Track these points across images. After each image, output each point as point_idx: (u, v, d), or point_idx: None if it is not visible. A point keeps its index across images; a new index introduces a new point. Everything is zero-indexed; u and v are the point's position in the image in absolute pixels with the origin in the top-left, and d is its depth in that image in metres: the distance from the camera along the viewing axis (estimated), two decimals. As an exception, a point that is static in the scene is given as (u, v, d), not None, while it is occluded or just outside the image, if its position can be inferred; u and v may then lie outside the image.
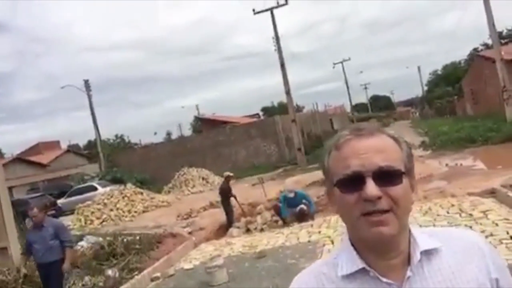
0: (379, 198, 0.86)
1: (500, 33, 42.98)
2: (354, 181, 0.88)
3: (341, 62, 58.63)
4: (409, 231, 0.94)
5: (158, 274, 8.03)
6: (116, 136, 46.34)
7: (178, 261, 8.94)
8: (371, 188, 0.86)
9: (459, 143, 19.21)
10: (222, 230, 11.67)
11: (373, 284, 0.91)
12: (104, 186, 22.95)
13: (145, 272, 8.08)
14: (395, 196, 0.87)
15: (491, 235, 5.96)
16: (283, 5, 25.60)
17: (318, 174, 12.34)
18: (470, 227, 6.55)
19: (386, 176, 0.88)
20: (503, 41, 39.92)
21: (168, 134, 52.95)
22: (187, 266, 8.30)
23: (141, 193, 18.54)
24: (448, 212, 7.73)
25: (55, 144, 56.65)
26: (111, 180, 25.20)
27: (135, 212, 16.77)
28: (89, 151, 54.19)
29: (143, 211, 16.96)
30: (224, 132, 30.16)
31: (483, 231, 6.19)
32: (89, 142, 60.76)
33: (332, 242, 7.47)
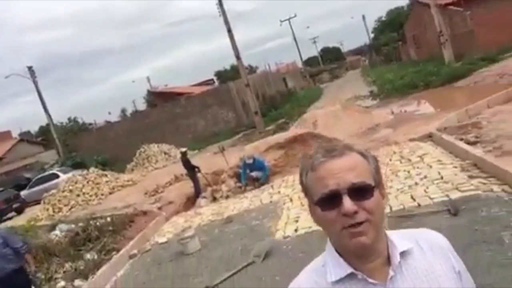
0: (356, 212, 0.96)
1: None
2: (332, 199, 0.98)
3: (288, 20, 58.67)
4: (385, 234, 1.06)
5: (135, 251, 8.56)
6: (69, 119, 45.21)
7: (152, 236, 9.47)
8: (347, 204, 0.96)
9: (403, 90, 20.38)
10: (191, 202, 12.16)
11: (361, 286, 1.02)
12: (65, 172, 22.77)
13: (122, 251, 8.57)
14: (369, 208, 0.98)
15: (425, 177, 6.81)
16: (223, -31, 25.30)
17: (275, 138, 13.01)
18: (409, 171, 7.42)
19: (360, 191, 0.98)
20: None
21: (123, 111, 52.04)
22: (161, 240, 8.86)
23: (105, 175, 18.66)
24: (390, 160, 8.60)
25: (6, 134, 54.21)
26: (72, 165, 24.99)
27: (102, 194, 16.98)
28: (43, 138, 52.50)
29: (110, 193, 17.17)
30: (180, 103, 30.17)
31: (418, 174, 7.06)
32: (41, 128, 58.70)
33: (291, 200, 8.20)
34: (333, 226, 0.99)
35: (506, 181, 5.73)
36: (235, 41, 25.92)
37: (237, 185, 10.92)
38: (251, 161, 10.54)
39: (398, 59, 43.67)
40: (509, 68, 16.31)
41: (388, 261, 1.03)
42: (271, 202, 8.68)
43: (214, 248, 7.11)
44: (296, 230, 6.46)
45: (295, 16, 61.87)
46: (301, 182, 1.07)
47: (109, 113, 58.73)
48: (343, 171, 0.99)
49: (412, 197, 6.11)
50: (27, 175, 30.06)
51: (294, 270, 4.42)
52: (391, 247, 1.03)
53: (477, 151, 7.04)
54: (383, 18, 62.65)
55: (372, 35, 66.77)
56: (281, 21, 59.24)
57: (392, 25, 53.47)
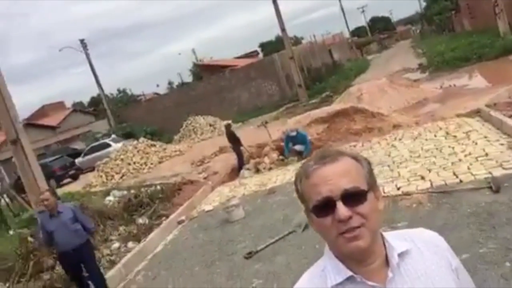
0: (350, 217, 0.97)
1: None
2: (326, 206, 0.99)
3: (335, -12, 56.92)
4: (382, 236, 1.07)
5: (183, 218, 9.09)
6: (119, 90, 46.76)
7: (199, 204, 9.99)
8: (341, 210, 0.97)
9: (454, 62, 19.64)
10: (234, 173, 12.57)
11: None
12: (116, 142, 23.96)
13: (171, 217, 9.13)
14: (363, 213, 0.99)
15: (469, 154, 6.77)
16: None
17: (318, 112, 13.07)
18: (453, 148, 7.38)
19: (353, 197, 0.99)
20: None
21: (170, 83, 53.08)
22: (207, 208, 9.34)
23: (154, 145, 19.47)
24: (435, 136, 8.54)
25: (60, 105, 57.03)
26: (122, 135, 26.15)
27: (151, 164, 17.79)
28: (94, 108, 54.76)
29: (159, 162, 17.97)
30: (224, 77, 30.53)
31: (463, 151, 7.02)
32: (92, 98, 61.15)
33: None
34: (329, 232, 1.00)
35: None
36: (280, 12, 25.72)
37: (279, 158, 11.18)
38: (294, 133, 10.73)
39: (450, 30, 41.66)
40: None
41: (387, 262, 1.04)
42: (313, 175, 8.88)
43: (257, 217, 7.46)
44: (336, 203, 6.65)
45: (343, -16, 59.93)
46: (297, 190, 1.08)
47: (157, 85, 60.05)
48: (336, 177, 1.00)
49: (454, 174, 6.12)
50: (75, 146, 31.66)
51: None
52: (389, 249, 1.04)
53: (526, 128, 6.88)
54: (437, -15, 59.48)
55: (424, 4, 63.73)
56: (328, -10, 57.68)
57: (446, -7, 50.71)
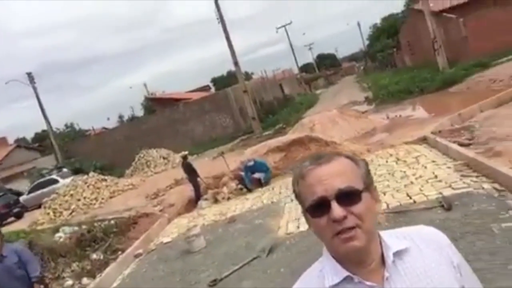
0: (345, 217, 0.97)
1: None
2: (321, 206, 0.99)
3: (284, 26, 59.33)
4: (379, 235, 1.06)
5: (141, 251, 8.82)
6: (66, 125, 45.33)
7: (156, 237, 9.74)
8: (336, 210, 0.97)
9: (398, 95, 20.81)
10: (191, 204, 12.41)
11: None
12: (64, 177, 23.00)
13: (128, 250, 8.84)
14: (358, 213, 0.98)
15: (420, 177, 7.15)
16: (221, -23, 25.75)
17: (275, 141, 13.31)
18: (404, 172, 7.76)
19: (348, 197, 0.98)
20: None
21: (121, 117, 52.18)
22: (165, 240, 9.13)
23: (105, 180, 18.91)
24: (387, 161, 8.95)
25: (2, 141, 54.30)
26: (71, 171, 25.17)
27: (102, 199, 17.22)
28: (40, 144, 52.53)
29: (110, 197, 17.43)
30: (178, 110, 30.50)
31: (414, 174, 7.40)
32: (37, 134, 58.78)
33: (292, 200, 8.48)
34: (325, 232, 1.00)
35: (496, 179, 6.06)
36: (233, 47, 26.34)
37: (238, 187, 11.21)
38: (251, 163, 10.84)
39: (393, 66, 44.25)
40: (501, 74, 16.75)
41: (384, 262, 1.03)
42: (272, 202, 8.98)
43: (219, 246, 7.39)
44: (298, 227, 6.76)
45: (291, 23, 62.85)
46: (294, 191, 1.09)
47: (108, 119, 58.90)
48: (331, 177, 1.00)
49: (408, 195, 6.44)
50: (8, 186, 29.72)
51: (298, 263, 4.84)
52: (384, 248, 1.04)
53: (469, 152, 7.39)
54: (378, 25, 63.34)
55: (367, 42, 67.50)
56: (277, 28, 60.01)
57: (387, 32, 53.97)
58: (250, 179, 10.80)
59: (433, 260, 1.06)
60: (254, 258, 6.10)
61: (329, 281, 1.04)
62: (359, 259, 1.02)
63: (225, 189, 11.36)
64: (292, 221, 7.20)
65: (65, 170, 24.85)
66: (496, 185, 5.92)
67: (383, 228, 5.43)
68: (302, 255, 5.62)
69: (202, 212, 10.55)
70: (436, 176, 6.90)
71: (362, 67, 73.95)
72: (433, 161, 7.87)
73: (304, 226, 6.68)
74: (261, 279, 5.42)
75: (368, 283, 1.02)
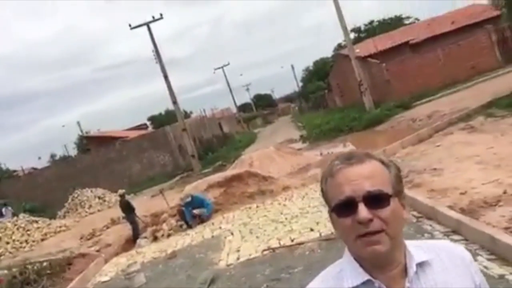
0: (371, 220, 0.95)
1: (359, 28, 48.56)
2: (347, 206, 0.97)
3: (222, 68, 60.72)
4: (404, 244, 1.04)
5: (77, 291, 8.60)
6: (-9, 165, 42.51)
7: (93, 277, 9.52)
8: (362, 212, 0.95)
9: (330, 133, 22.15)
10: (130, 244, 12.23)
11: None
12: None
13: (63, 292, 8.58)
14: (384, 217, 0.96)
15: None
16: (159, 19, 26.37)
17: (215, 177, 13.63)
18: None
19: (375, 200, 0.96)
20: (362, 35, 45.08)
21: (52, 156, 49.89)
22: (103, 279, 8.97)
23: (36, 222, 18.03)
24: (319, 194, 9.53)
25: None
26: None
27: (33, 241, 16.36)
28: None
29: (42, 239, 16.60)
30: (114, 148, 29.94)
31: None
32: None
33: (232, 234, 8.78)
34: (349, 233, 0.99)
35: (414, 207, 6.82)
36: (172, 86, 26.71)
37: (178, 224, 11.29)
38: (189, 199, 10.99)
39: (325, 106, 46.59)
40: (420, 114, 18.46)
41: (406, 272, 1.02)
42: (213, 237, 9.20)
43: (160, 281, 7.46)
44: (238, 259, 7.05)
45: (228, 64, 64.33)
46: (322, 189, 1.07)
47: (39, 158, 55.47)
48: (360, 178, 0.98)
49: (338, 224, 6.99)
50: None
51: None
52: (408, 258, 1.03)
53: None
54: (310, 68, 66.70)
55: (300, 83, 70.63)
56: (215, 69, 61.24)
57: (318, 74, 56.87)
58: (191, 215, 10.94)
59: (456, 276, 1.05)
60: (196, 290, 6.28)
61: (348, 283, 1.02)
62: (381, 264, 1.01)
63: (164, 226, 11.39)
64: (233, 253, 7.47)
65: None
66: (415, 213, 6.67)
67: (317, 255, 5.90)
68: (242, 284, 5.92)
69: (141, 250, 10.47)
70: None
71: (297, 107, 76.95)
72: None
73: (243, 257, 7.00)
74: (203, 308, 5.61)
75: None
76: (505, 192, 6.03)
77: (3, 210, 22.99)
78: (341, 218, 1.00)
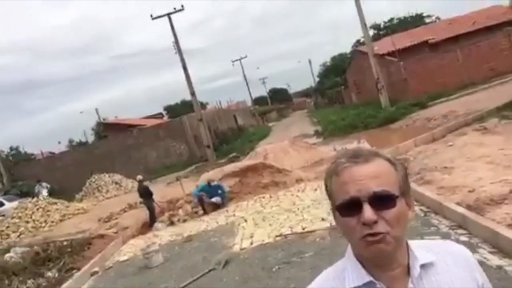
0: (376, 221, 0.93)
1: (378, 25, 48.32)
2: (352, 206, 0.95)
3: (239, 60, 61.10)
4: (407, 244, 1.03)
5: (97, 269, 9.05)
6: (11, 148, 43.63)
7: (112, 256, 9.98)
8: (367, 212, 0.93)
9: (345, 129, 22.30)
10: (146, 228, 12.68)
11: None
12: (10, 200, 22.37)
13: (84, 268, 9.04)
14: (390, 218, 0.95)
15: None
16: (180, 10, 26.71)
17: (230, 167, 14.00)
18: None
19: (381, 201, 0.94)
20: (381, 33, 44.88)
21: (70, 142, 50.83)
22: (122, 258, 9.42)
23: (55, 203, 18.65)
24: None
25: None
26: (18, 194, 24.47)
27: (52, 222, 16.97)
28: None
29: (61, 220, 17.20)
30: (132, 135, 30.54)
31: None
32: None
33: (246, 221, 9.14)
34: (352, 233, 0.97)
35: (423, 202, 7.09)
36: (190, 77, 27.11)
37: (194, 210, 11.70)
38: (205, 183, 11.38)
39: (341, 102, 46.59)
40: (435, 113, 18.53)
41: (408, 272, 1.01)
42: (227, 223, 9.58)
43: (177, 261, 7.86)
44: (251, 243, 7.41)
45: (246, 56, 64.79)
46: (326, 187, 1.05)
47: (59, 142, 56.29)
48: (367, 178, 0.96)
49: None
50: None
51: (251, 273, 5.70)
52: (411, 258, 1.01)
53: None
54: (328, 64, 66.51)
55: (317, 79, 70.56)
56: (233, 61, 61.63)
57: (335, 70, 56.70)
58: (209, 199, 11.27)
59: (459, 278, 1.03)
60: (211, 270, 6.65)
61: (350, 283, 1.01)
62: (383, 263, 0.99)
63: (180, 212, 11.81)
64: (246, 238, 7.83)
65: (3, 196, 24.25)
66: (423, 207, 6.94)
67: (326, 242, 6.20)
68: (255, 267, 6.27)
69: (158, 233, 10.91)
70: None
71: (312, 103, 76.91)
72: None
73: (256, 242, 7.35)
74: (217, 287, 5.99)
75: None
76: (511, 191, 6.25)
77: (36, 187, 23.96)
78: (344, 217, 0.98)
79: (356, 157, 1.00)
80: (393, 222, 0.95)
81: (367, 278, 0.99)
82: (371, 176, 0.96)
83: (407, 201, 1.01)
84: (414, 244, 1.05)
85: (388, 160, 1.01)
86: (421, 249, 1.04)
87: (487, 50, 23.90)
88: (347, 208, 0.96)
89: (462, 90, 22.06)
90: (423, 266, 1.01)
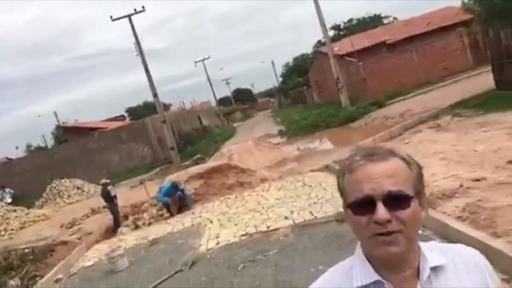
0: (389, 221, 0.92)
1: (338, 26, 49.34)
2: (366, 204, 0.94)
3: (202, 61, 60.79)
4: (419, 246, 1.02)
5: (61, 276, 8.91)
6: (-36, 154, 41.73)
7: (76, 262, 9.85)
8: (381, 212, 0.92)
9: (307, 129, 22.77)
10: (109, 233, 12.50)
11: None
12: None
13: (47, 275, 8.88)
14: (403, 219, 0.94)
15: (322, 197, 8.37)
16: (141, 11, 26.44)
17: (196, 168, 14.05)
18: (309, 194, 8.94)
19: (395, 200, 0.94)
20: (341, 33, 45.84)
21: (28, 146, 49.14)
22: (87, 264, 9.32)
23: (14, 211, 18.10)
24: (295, 186, 10.15)
25: None
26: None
27: (12, 230, 16.48)
28: None
29: (21, 228, 16.72)
30: (93, 139, 29.92)
31: (316, 196, 8.61)
32: None
33: (211, 222, 9.26)
34: (364, 231, 0.96)
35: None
36: (152, 79, 26.86)
37: (159, 213, 11.69)
38: (169, 184, 11.40)
39: (303, 102, 47.34)
40: (393, 112, 19.23)
41: (418, 274, 0.99)
42: (193, 225, 9.66)
43: (143, 264, 7.88)
44: (217, 244, 7.54)
45: (209, 57, 64.58)
46: (338, 184, 1.04)
47: (17, 147, 54.16)
48: (381, 177, 0.95)
49: (310, 212, 7.58)
50: None
51: (217, 272, 5.91)
52: (422, 261, 1.00)
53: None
54: (290, 64, 67.23)
55: (280, 79, 71.24)
56: (196, 62, 61.24)
57: (298, 71, 57.36)
58: (166, 198, 11.28)
59: (469, 282, 1.02)
60: (177, 272, 6.74)
61: (358, 281, 1.01)
62: (393, 264, 0.98)
63: (145, 215, 11.77)
64: (212, 239, 7.95)
65: None
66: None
67: (290, 239, 6.43)
68: (221, 267, 6.41)
69: (123, 237, 10.84)
70: (334, 197, 8.13)
71: (276, 103, 77.56)
72: (333, 185, 9.16)
73: (223, 242, 7.49)
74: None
75: None
76: (461, 186, 6.67)
77: (0, 193, 23.10)
78: (357, 215, 0.97)
79: (372, 155, 0.99)
80: (406, 222, 0.94)
81: (375, 277, 0.99)
82: (386, 175, 0.96)
83: (421, 201, 1.00)
84: (425, 246, 1.04)
85: (403, 159, 1.00)
86: (433, 252, 1.03)
87: (441, 50, 25.01)
88: (360, 206, 0.96)
89: (418, 89, 23.00)
90: (433, 269, 1.00)
